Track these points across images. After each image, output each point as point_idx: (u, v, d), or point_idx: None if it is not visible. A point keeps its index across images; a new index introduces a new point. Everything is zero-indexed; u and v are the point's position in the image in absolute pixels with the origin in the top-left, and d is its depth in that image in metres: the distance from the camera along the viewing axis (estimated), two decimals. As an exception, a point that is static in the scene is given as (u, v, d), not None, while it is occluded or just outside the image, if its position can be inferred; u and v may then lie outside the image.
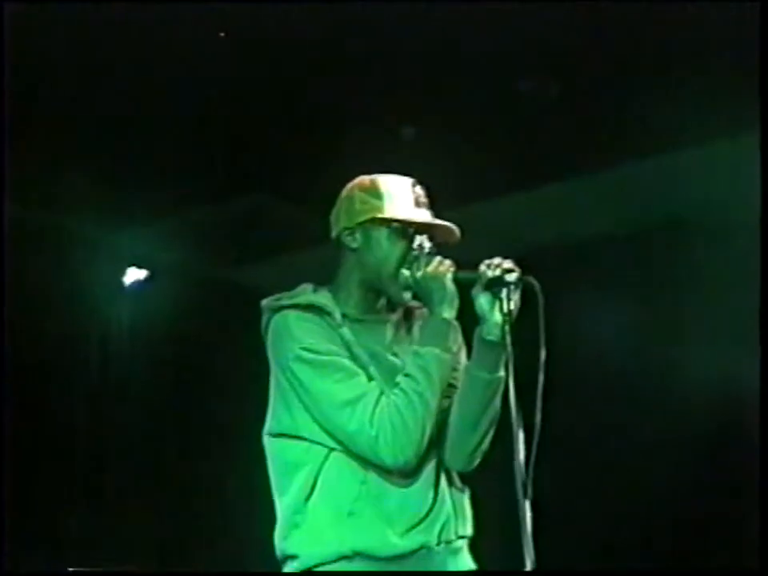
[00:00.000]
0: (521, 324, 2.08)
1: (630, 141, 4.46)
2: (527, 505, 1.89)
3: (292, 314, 2.20)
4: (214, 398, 5.61)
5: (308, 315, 2.20)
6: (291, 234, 5.28)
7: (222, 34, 3.74)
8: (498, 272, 2.09)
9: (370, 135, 4.11)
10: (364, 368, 2.16)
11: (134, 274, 5.49)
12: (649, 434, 5.03)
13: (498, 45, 3.82)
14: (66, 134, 4.25)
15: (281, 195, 5.08)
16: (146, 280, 5.52)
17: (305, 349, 2.14)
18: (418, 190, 2.30)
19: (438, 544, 2.15)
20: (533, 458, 1.92)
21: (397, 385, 2.12)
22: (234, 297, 5.48)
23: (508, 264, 2.10)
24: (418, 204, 2.27)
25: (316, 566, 2.11)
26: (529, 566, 1.85)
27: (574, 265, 5.27)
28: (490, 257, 2.15)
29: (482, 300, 2.14)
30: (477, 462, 2.26)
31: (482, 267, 2.13)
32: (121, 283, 5.45)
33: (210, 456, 5.48)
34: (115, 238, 5.28)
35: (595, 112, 4.31)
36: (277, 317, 2.22)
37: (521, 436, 1.93)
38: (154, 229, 5.23)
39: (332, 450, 2.14)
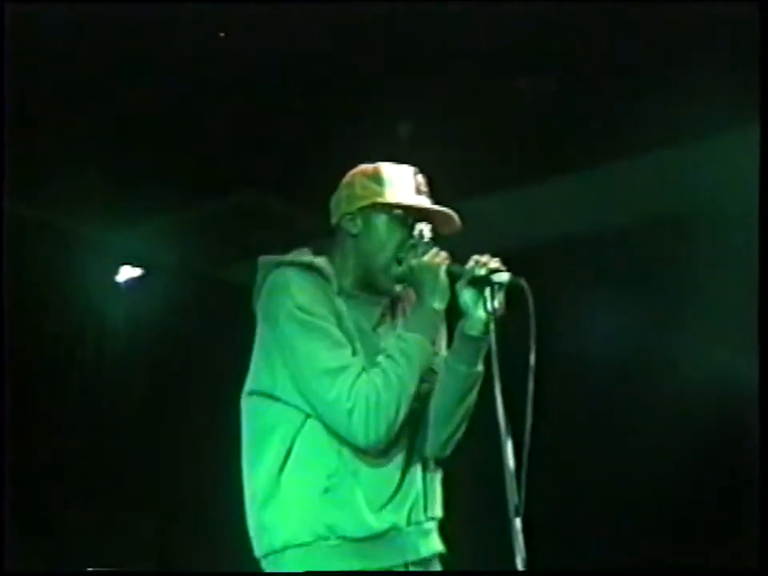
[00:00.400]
0: (515, 325, 2.06)
1: (629, 138, 4.46)
2: (518, 522, 1.87)
3: (292, 270, 2.20)
4: (212, 396, 5.61)
5: (308, 275, 2.19)
6: (286, 231, 5.28)
7: (222, 34, 3.75)
8: (483, 271, 2.09)
9: (367, 133, 4.11)
10: (350, 342, 2.16)
11: (128, 272, 5.49)
12: (648, 434, 5.02)
13: (495, 42, 3.83)
14: (64, 134, 4.26)
15: (276, 193, 5.09)
16: (141, 278, 5.52)
17: (299, 308, 2.12)
18: (420, 178, 2.31)
19: (408, 525, 2.16)
20: (524, 469, 1.89)
21: (378, 364, 2.12)
22: (229, 295, 5.48)
23: (494, 264, 2.10)
24: (419, 192, 2.28)
25: (293, 545, 2.09)
26: (520, 566, 1.84)
27: (571, 262, 5.26)
28: (489, 252, 2.14)
29: (466, 296, 2.14)
30: (450, 450, 2.27)
31: (471, 263, 2.13)
32: (115, 281, 5.45)
33: (207, 454, 5.47)
34: (110, 237, 5.28)
35: (595, 109, 4.31)
36: (276, 271, 2.21)
37: (509, 443, 1.91)
38: (148, 227, 5.23)
39: (308, 416, 2.12)
